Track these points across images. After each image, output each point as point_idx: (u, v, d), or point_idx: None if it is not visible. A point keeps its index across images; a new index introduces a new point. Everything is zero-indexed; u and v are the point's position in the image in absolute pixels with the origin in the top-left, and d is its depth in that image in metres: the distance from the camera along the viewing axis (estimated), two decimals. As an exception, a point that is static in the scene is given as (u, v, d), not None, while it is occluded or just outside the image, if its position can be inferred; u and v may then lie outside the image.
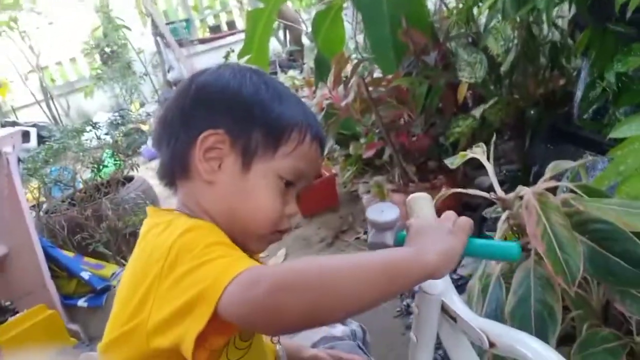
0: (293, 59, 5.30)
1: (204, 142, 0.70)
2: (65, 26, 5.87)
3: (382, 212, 0.66)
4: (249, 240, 0.73)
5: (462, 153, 0.90)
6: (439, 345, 0.76)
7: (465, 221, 0.64)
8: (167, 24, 6.18)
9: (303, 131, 0.73)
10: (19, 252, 2.18)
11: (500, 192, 0.85)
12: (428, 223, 0.65)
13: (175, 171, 0.74)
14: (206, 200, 0.71)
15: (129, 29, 5.92)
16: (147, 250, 0.64)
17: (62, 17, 5.85)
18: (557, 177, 1.06)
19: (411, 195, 0.74)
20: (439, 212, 2.08)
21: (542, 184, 0.84)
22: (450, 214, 0.67)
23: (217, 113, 0.72)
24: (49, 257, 2.29)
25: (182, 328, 0.56)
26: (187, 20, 6.60)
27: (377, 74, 2.27)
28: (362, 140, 2.23)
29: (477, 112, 1.72)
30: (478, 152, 0.88)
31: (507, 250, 0.62)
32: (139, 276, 0.62)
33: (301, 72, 4.54)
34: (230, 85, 0.73)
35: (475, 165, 0.83)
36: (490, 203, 0.96)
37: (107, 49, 5.79)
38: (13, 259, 2.18)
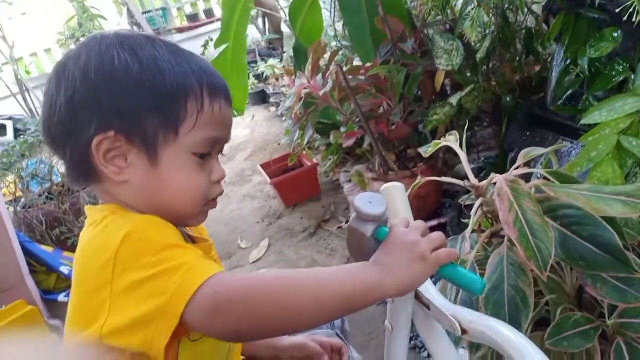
0: (272, 47, 5.26)
1: (98, 149, 0.65)
2: (39, 16, 5.74)
3: (369, 202, 0.64)
4: (185, 220, 0.71)
5: (435, 141, 0.90)
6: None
7: (445, 254, 0.62)
8: (144, 12, 6.08)
9: (199, 96, 0.67)
10: (-4, 248, 2.14)
11: (473, 179, 0.86)
12: (406, 239, 0.62)
13: (83, 177, 0.70)
14: (126, 198, 0.68)
15: (104, 18, 5.80)
16: (90, 252, 0.63)
17: (35, 7, 5.72)
18: (531, 163, 1.07)
19: (384, 185, 0.74)
20: (419, 200, 2.07)
21: (514, 171, 0.85)
22: (426, 230, 0.64)
23: (98, 112, 0.65)
24: (27, 252, 2.27)
25: (146, 334, 0.57)
26: (164, 9, 6.49)
27: (357, 62, 2.26)
28: (342, 129, 2.23)
29: (454, 99, 1.72)
30: (451, 139, 0.88)
31: (472, 283, 0.62)
32: (88, 281, 0.61)
33: (281, 60, 4.50)
34: (100, 74, 0.64)
35: (455, 152, 0.83)
36: (468, 190, 0.97)
37: (83, 39, 5.67)
38: (-10, 255, 2.15)
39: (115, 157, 0.66)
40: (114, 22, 6.02)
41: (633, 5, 0.94)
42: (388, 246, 0.62)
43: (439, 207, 2.17)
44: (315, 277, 0.60)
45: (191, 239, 0.80)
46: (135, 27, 5.80)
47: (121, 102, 0.65)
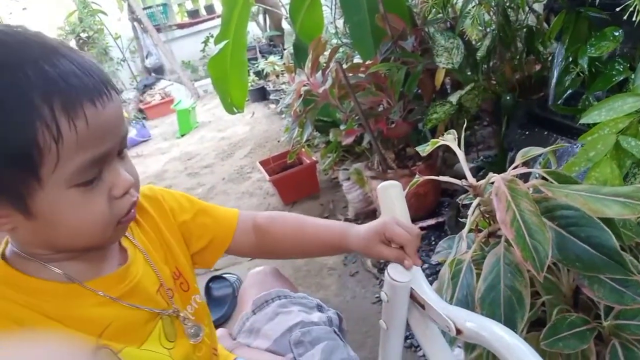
0: (273, 44, 5.24)
1: None
2: (40, 11, 5.73)
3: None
4: (99, 246, 0.62)
5: (433, 140, 0.90)
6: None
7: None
8: (144, 8, 6.07)
9: (51, 122, 0.49)
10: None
11: (471, 178, 0.85)
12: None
13: None
14: (20, 242, 0.59)
15: (105, 13, 5.80)
16: None
17: (36, 2, 5.71)
18: (530, 163, 1.06)
19: (381, 184, 0.74)
20: (417, 198, 2.07)
21: (512, 171, 0.84)
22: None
23: None
24: None
25: None
26: (165, 5, 6.49)
27: (357, 59, 2.25)
28: (342, 127, 2.22)
29: (454, 98, 1.71)
30: (449, 138, 0.87)
31: None
32: None
33: (281, 57, 4.49)
34: None
35: (454, 151, 0.83)
36: (466, 189, 0.96)
37: (83, 35, 5.66)
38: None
39: None
40: (115, 18, 6.02)
41: (634, 5, 0.93)
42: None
43: (438, 206, 2.17)
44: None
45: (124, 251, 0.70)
46: (136, 23, 5.80)
47: None
